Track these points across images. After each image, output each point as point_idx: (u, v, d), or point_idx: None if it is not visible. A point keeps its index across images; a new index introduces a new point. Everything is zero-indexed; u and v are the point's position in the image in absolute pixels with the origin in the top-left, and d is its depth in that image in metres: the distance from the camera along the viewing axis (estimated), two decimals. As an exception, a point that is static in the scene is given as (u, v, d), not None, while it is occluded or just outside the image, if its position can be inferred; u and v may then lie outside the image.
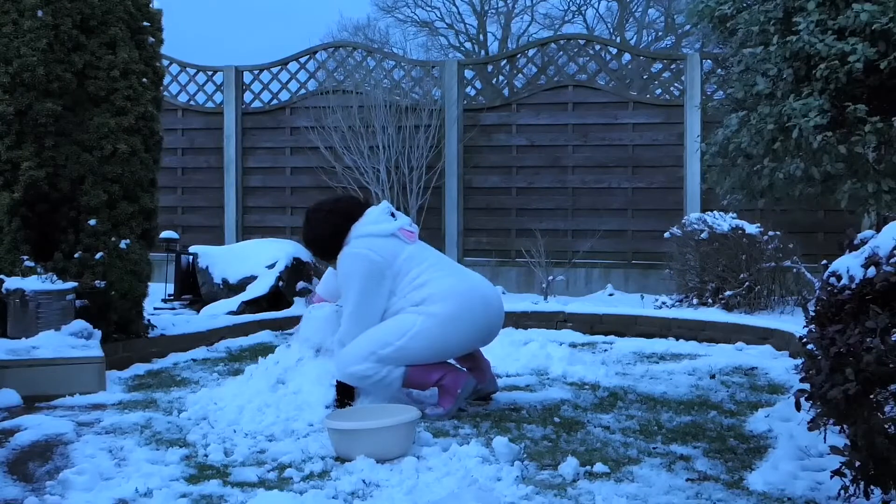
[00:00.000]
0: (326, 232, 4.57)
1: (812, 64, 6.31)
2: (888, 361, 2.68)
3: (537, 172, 9.64)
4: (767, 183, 6.86)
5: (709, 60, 9.46)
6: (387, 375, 4.30)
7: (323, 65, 10.48)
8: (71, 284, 5.49)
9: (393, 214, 4.60)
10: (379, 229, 4.48)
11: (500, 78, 11.85)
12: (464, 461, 3.52)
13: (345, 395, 4.35)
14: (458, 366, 4.58)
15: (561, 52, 9.89)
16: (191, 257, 8.31)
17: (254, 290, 7.91)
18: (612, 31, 24.11)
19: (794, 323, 6.11)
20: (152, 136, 6.21)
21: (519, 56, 10.38)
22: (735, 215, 7.64)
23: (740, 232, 7.37)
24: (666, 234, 8.06)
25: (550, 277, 8.58)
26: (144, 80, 6.15)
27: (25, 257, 5.63)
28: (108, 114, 5.90)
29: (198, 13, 31.26)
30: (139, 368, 5.66)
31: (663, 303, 7.72)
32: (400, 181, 9.51)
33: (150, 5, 6.33)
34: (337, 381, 4.35)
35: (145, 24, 6.20)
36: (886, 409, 2.80)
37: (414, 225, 4.65)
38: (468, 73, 10.26)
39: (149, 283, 6.20)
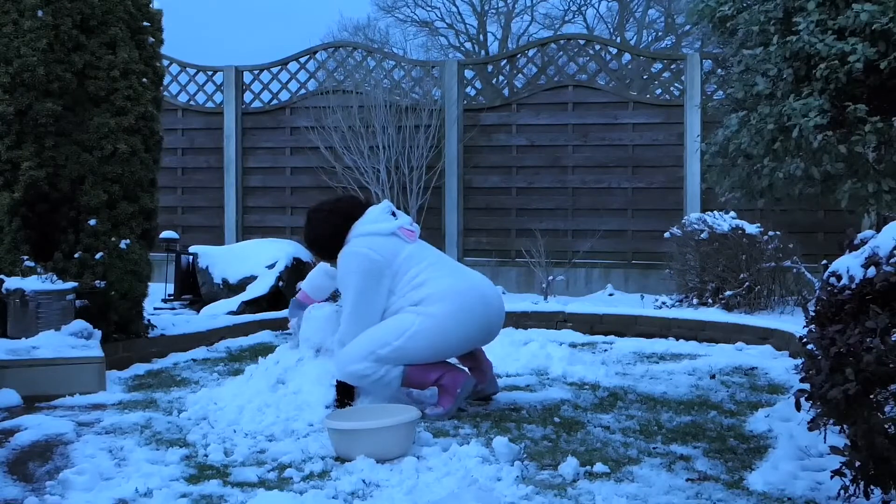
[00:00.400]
0: (327, 232, 4.57)
1: (812, 64, 6.31)
2: (888, 361, 2.68)
3: (537, 172, 9.64)
4: (767, 183, 6.86)
5: (709, 60, 9.46)
6: (385, 375, 4.30)
7: (323, 65, 10.48)
8: (71, 284, 5.49)
9: (394, 214, 4.60)
10: (379, 228, 4.48)
11: (500, 78, 11.83)
12: (464, 461, 3.52)
13: (345, 394, 4.35)
14: (459, 365, 4.58)
15: (561, 52, 9.89)
16: (191, 257, 8.31)
17: (254, 290, 7.91)
18: (612, 31, 24.11)
19: (794, 323, 6.11)
20: (152, 136, 6.21)
21: (519, 56, 10.37)
22: (735, 215, 7.64)
23: (740, 232, 7.37)
24: (666, 234, 8.06)
25: (550, 277, 8.58)
26: (144, 80, 6.16)
27: (25, 257, 5.63)
28: (108, 114, 5.90)
29: (198, 13, 31.27)
30: (139, 368, 5.66)
31: (663, 303, 7.72)
32: (400, 181, 9.51)
33: (150, 5, 6.33)
34: (337, 381, 4.35)
35: (145, 24, 6.20)
36: (886, 409, 2.80)
37: (415, 224, 4.65)
38: (468, 73, 10.26)
39: (149, 283, 6.20)
